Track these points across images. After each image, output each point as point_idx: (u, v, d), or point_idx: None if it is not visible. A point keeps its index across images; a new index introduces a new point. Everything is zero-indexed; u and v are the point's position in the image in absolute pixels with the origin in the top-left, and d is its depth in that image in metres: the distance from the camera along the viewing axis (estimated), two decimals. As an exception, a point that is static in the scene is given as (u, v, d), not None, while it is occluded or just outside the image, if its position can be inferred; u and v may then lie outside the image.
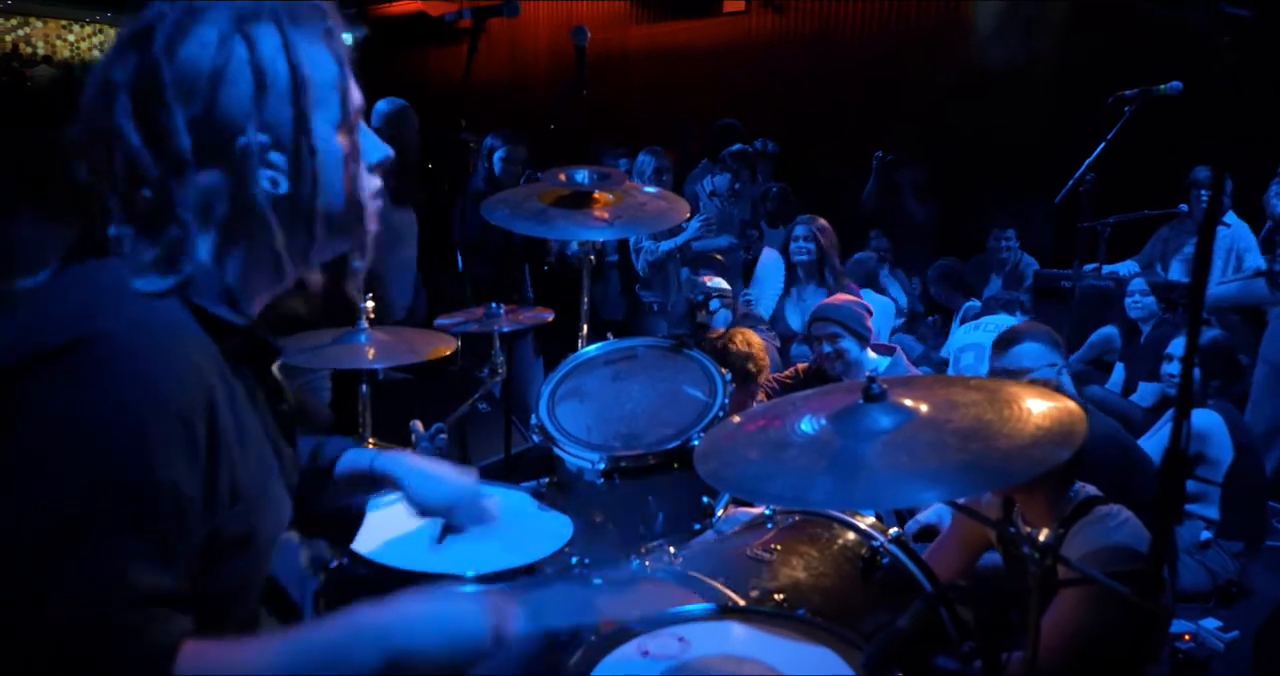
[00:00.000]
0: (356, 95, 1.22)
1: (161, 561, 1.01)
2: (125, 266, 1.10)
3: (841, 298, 3.92)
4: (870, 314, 3.81)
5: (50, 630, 0.95)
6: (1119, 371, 5.02)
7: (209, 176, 1.11)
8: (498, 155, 4.85)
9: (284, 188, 1.14)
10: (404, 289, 4.65)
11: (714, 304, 4.21)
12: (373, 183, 1.25)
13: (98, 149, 1.10)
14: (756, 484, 1.48)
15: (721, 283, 4.57)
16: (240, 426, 1.14)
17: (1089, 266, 5.02)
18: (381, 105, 4.48)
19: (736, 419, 1.70)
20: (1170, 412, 3.77)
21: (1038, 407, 1.44)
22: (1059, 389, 2.81)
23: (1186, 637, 3.17)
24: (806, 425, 1.53)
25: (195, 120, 1.09)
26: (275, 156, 1.13)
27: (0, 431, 0.99)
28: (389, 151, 1.28)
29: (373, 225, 1.25)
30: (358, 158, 1.21)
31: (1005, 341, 2.89)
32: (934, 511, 3.00)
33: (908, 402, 1.50)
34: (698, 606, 1.72)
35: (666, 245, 5.27)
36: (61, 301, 1.08)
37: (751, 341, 3.36)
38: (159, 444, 1.01)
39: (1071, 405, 1.46)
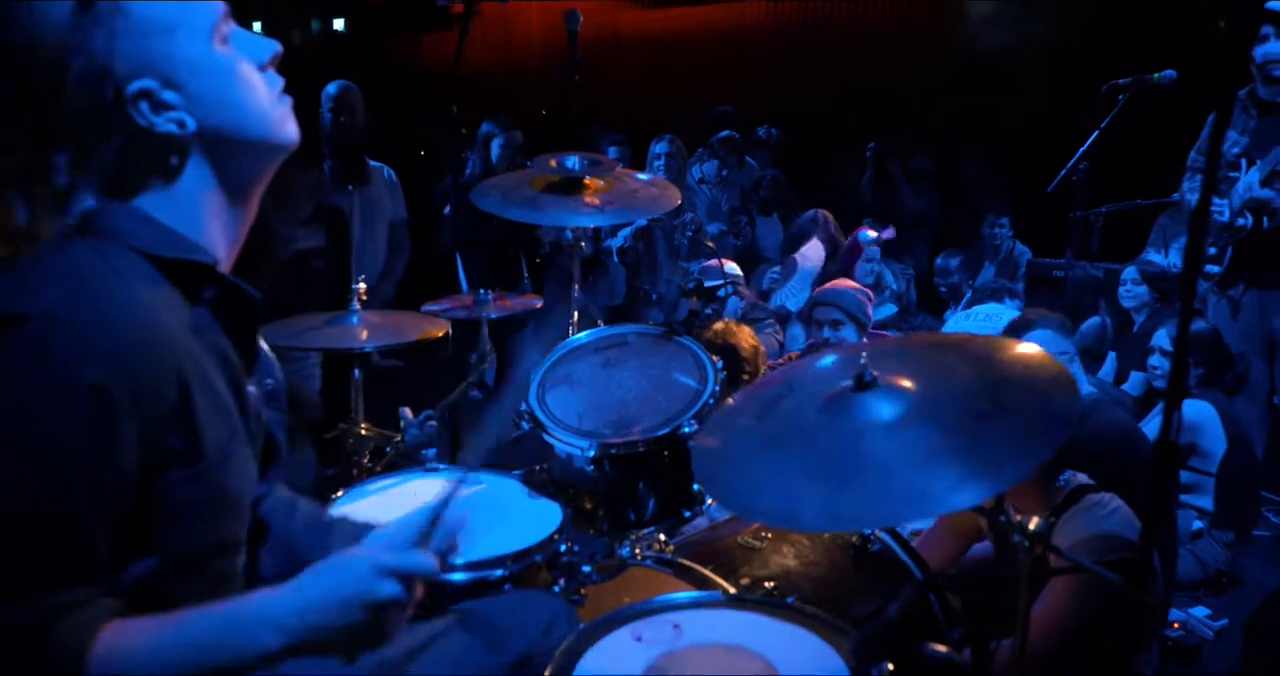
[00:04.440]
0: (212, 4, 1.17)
1: (73, 544, 1.00)
2: (87, 246, 1.09)
3: (845, 283, 3.89)
4: (870, 301, 3.80)
5: None
6: (1111, 361, 5.02)
7: (116, 138, 1.09)
8: (496, 142, 4.71)
9: (191, 125, 1.12)
10: (374, 269, 4.49)
11: (724, 291, 4.14)
12: (274, 81, 1.21)
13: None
14: (752, 501, 1.42)
15: (735, 268, 4.53)
16: (207, 386, 1.13)
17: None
18: (330, 88, 4.41)
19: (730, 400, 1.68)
20: (1161, 403, 3.78)
21: (1029, 367, 1.42)
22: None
23: (1176, 625, 3.18)
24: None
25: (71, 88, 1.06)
26: (169, 96, 1.10)
27: None
28: (277, 46, 1.22)
29: (291, 127, 1.22)
30: (244, 61, 1.17)
31: (1017, 329, 2.89)
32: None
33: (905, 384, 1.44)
34: (687, 594, 1.71)
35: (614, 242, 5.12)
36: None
37: (744, 338, 3.09)
38: (72, 419, 0.99)
39: (1052, 364, 1.43)
